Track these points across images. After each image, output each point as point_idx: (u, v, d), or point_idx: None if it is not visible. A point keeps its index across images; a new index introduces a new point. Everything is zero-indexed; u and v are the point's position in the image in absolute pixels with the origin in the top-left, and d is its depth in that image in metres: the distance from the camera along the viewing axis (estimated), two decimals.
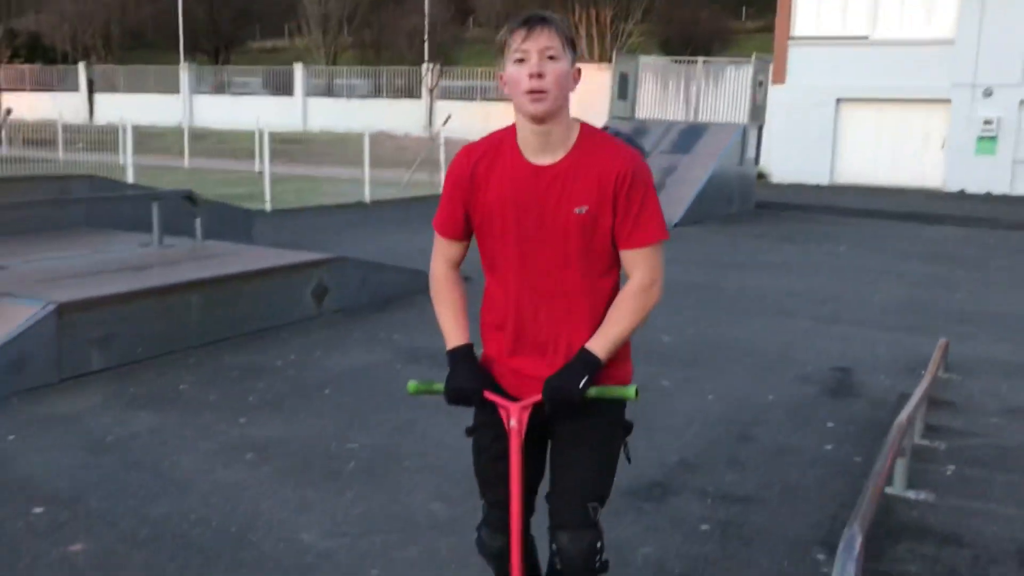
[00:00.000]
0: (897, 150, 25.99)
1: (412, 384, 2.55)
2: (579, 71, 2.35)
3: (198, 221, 8.15)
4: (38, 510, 3.78)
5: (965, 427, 5.37)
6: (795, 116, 26.46)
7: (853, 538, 2.81)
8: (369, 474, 4.30)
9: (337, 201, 16.70)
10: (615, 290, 2.44)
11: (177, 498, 3.94)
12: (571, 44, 2.32)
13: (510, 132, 2.40)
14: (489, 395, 2.40)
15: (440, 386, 2.46)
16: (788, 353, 6.92)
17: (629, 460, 2.54)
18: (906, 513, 4.10)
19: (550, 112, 2.28)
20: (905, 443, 4.34)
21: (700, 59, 19.13)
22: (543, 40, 2.25)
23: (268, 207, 14.66)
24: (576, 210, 2.32)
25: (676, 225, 14.91)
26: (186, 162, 23.10)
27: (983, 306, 9.13)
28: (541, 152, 2.34)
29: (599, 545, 2.45)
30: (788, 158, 26.78)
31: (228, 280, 6.68)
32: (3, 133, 20.93)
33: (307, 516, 3.82)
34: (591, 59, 33.88)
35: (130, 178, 13.99)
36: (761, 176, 26.44)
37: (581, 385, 2.30)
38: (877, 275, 10.80)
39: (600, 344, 2.35)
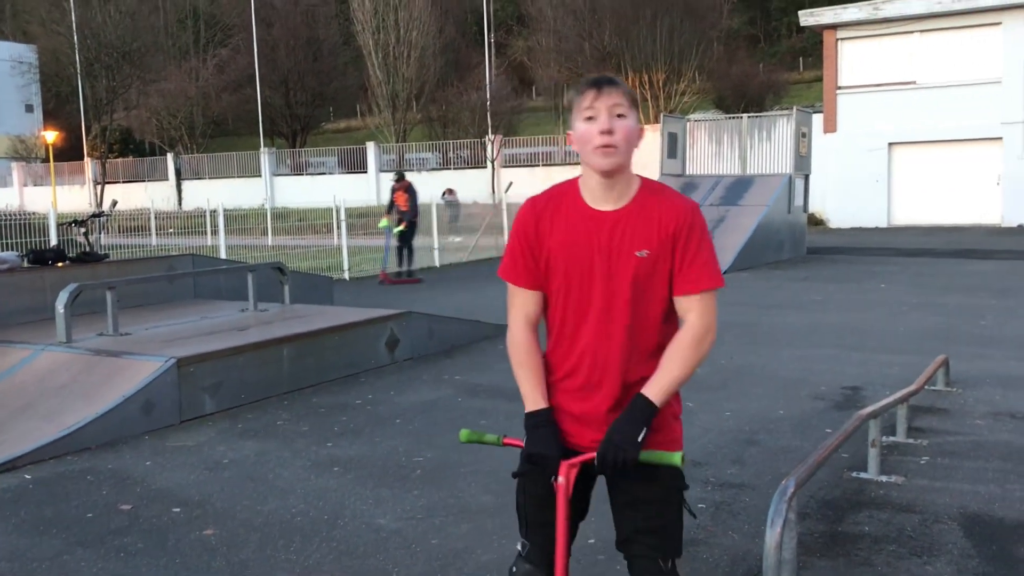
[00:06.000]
0: (953, 189, 26.36)
1: (464, 432, 2.59)
2: (642, 130, 2.49)
3: (286, 288, 9.35)
4: (176, 509, 4.86)
5: (950, 428, 6.13)
6: (848, 163, 27.11)
7: (787, 487, 3.67)
8: (432, 478, 5.29)
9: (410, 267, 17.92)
10: (665, 344, 2.49)
11: (281, 498, 4.98)
12: (635, 104, 2.44)
13: (572, 184, 2.53)
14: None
15: (492, 437, 2.57)
16: (806, 377, 7.72)
17: (694, 515, 2.64)
18: (874, 491, 4.92)
19: (618, 166, 2.40)
20: (875, 436, 5.17)
21: (744, 115, 20.04)
22: (612, 98, 2.38)
23: (347, 275, 15.95)
24: (638, 253, 2.42)
25: (725, 272, 15.72)
26: (270, 240, 24.72)
27: (1005, 331, 9.76)
28: (604, 200, 2.45)
29: None
30: (845, 204, 27.36)
31: (313, 335, 7.80)
32: (108, 223, 22.83)
33: (382, 508, 4.82)
34: (646, 120, 35.05)
35: (223, 255, 15.44)
36: (819, 223, 27.10)
37: (640, 438, 2.34)
38: (911, 308, 11.48)
39: (655, 391, 2.39)
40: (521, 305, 2.56)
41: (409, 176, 17.03)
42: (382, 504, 4.87)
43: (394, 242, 16.06)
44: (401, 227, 15.81)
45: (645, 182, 2.52)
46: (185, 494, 5.10)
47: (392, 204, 16.07)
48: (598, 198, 2.46)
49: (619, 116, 2.39)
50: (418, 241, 16.50)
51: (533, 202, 2.56)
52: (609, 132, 2.37)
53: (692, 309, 2.44)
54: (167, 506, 4.91)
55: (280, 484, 5.24)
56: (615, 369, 2.48)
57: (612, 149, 2.38)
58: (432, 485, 5.16)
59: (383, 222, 16.25)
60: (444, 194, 28.40)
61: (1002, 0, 25.17)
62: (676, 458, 2.36)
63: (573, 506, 2.50)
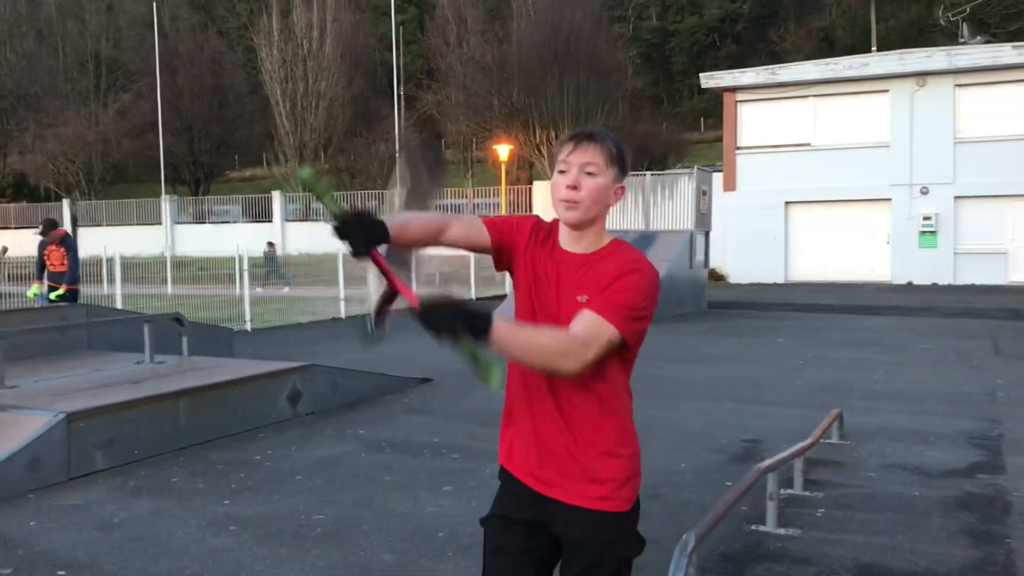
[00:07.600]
0: (846, 247, 27.41)
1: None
2: (621, 188, 2.50)
3: (184, 340, 9.12)
4: (61, 572, 4.64)
5: (845, 481, 6.31)
6: (747, 220, 27.95)
7: (688, 541, 3.72)
8: (333, 536, 5.19)
9: (314, 319, 17.71)
10: (608, 398, 2.53)
11: (175, 559, 4.81)
12: (616, 161, 2.45)
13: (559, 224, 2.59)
14: (375, 255, 2.27)
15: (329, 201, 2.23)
16: (707, 430, 7.86)
17: None
18: (772, 544, 5.01)
19: (581, 221, 2.45)
20: (773, 489, 5.29)
21: (648, 173, 20.54)
22: (586, 156, 2.42)
23: (248, 327, 15.65)
24: (579, 298, 2.43)
25: None
26: (169, 289, 24.10)
27: (895, 384, 10.13)
28: (572, 245, 2.51)
29: None
30: (744, 260, 28.13)
31: (211, 388, 7.61)
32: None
33: (280, 569, 4.69)
34: (549, 176, 35.52)
35: (119, 305, 14.98)
36: (720, 278, 27.78)
37: (453, 317, 2.12)
38: (807, 362, 11.83)
39: (502, 321, 2.20)
40: (466, 220, 2.54)
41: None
42: (280, 565, 4.74)
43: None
44: (61, 291, 11.90)
45: (615, 242, 2.53)
46: (71, 556, 4.88)
47: (42, 265, 12.20)
48: (568, 243, 2.52)
49: (589, 174, 2.43)
50: (321, 291, 16.25)
51: (538, 220, 2.60)
52: (574, 188, 2.42)
53: (579, 320, 2.34)
54: (51, 569, 4.68)
55: (174, 544, 5.06)
56: (547, 415, 2.52)
57: (574, 204, 2.43)
58: (332, 544, 5.06)
59: (33, 289, 12.51)
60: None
61: (889, 69, 26.62)
62: (494, 382, 2.15)
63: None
